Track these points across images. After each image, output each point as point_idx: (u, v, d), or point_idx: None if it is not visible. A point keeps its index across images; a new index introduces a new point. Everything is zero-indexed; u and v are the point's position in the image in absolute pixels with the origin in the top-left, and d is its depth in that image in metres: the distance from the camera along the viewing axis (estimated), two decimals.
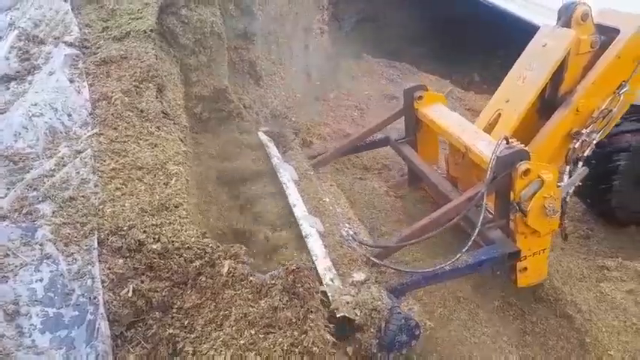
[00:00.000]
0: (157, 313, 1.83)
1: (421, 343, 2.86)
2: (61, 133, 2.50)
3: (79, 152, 2.39)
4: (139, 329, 1.78)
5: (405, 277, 3.04)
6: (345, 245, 3.11)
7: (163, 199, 2.24)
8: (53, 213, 2.04)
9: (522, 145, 3.21)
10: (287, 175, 3.94)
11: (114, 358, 1.65)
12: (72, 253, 1.89)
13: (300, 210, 3.48)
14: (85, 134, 2.53)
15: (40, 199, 2.08)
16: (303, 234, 3.20)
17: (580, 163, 3.53)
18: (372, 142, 4.70)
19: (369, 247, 3.20)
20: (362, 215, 4.24)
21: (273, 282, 1.90)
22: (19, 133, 2.39)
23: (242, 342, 1.73)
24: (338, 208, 3.94)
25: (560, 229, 3.48)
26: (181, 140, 2.81)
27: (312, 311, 1.82)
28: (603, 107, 3.46)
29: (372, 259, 3.04)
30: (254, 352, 1.69)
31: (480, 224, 3.01)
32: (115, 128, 2.61)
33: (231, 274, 1.91)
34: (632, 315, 3.58)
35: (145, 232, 2.05)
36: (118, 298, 1.79)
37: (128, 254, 1.96)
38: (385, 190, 5.11)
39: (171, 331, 1.78)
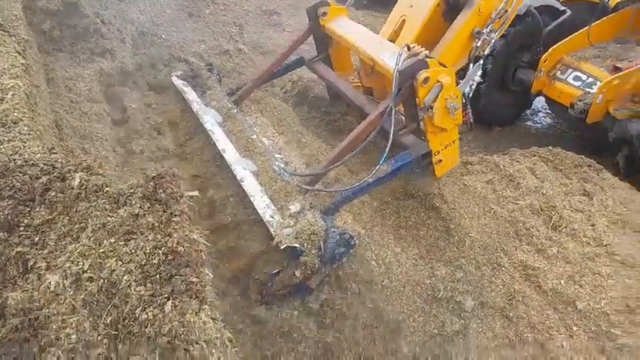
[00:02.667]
0: (0, 233, 1.68)
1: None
2: None
3: None
4: None
5: (336, 196, 3.31)
6: (278, 180, 3.32)
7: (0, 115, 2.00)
8: None
9: (423, 53, 3.42)
10: (210, 119, 3.93)
11: None
12: None
13: (230, 154, 3.57)
14: None
15: None
16: (238, 178, 3.36)
17: (481, 61, 3.77)
18: (287, 66, 4.70)
19: (300, 176, 3.40)
20: (292, 139, 4.25)
21: (132, 191, 1.82)
22: None
23: (101, 250, 1.66)
24: (267, 140, 4.01)
25: (466, 121, 3.82)
26: (19, 53, 2.48)
27: (176, 214, 1.78)
28: (500, 7, 3.68)
29: (304, 187, 3.27)
30: (114, 259, 1.64)
31: (392, 135, 3.21)
32: None
33: (83, 187, 1.80)
34: (490, 202, 4.01)
35: None
36: None
37: None
38: (307, 110, 5.08)
39: (19, 249, 1.65)
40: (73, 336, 1.50)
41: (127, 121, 3.98)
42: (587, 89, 4.96)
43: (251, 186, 3.31)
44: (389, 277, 3.51)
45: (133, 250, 1.67)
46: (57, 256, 1.66)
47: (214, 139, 3.75)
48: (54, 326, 1.51)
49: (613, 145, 4.81)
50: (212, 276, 1.84)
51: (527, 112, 6.56)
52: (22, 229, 1.72)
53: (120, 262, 1.64)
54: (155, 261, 1.66)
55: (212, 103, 4.19)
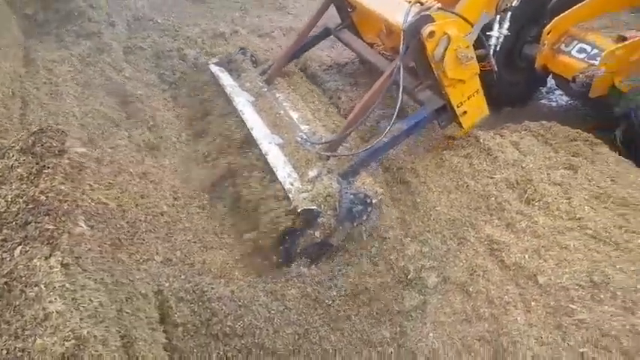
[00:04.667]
0: None
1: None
2: None
3: None
4: None
5: (353, 160, 3.49)
6: (301, 149, 3.57)
7: None
8: None
9: (435, 6, 3.39)
10: (242, 100, 4.16)
11: None
12: None
13: (258, 131, 3.78)
14: None
15: None
16: (263, 152, 3.61)
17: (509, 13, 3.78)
18: (314, 38, 4.82)
19: (319, 144, 3.61)
20: (321, 110, 4.49)
21: (12, 144, 1.90)
22: None
23: None
24: (296, 114, 4.23)
25: (490, 69, 3.81)
26: None
27: (48, 167, 1.84)
28: None
29: (323, 153, 3.49)
30: None
31: (401, 92, 3.34)
32: None
33: None
34: (464, 175, 3.83)
35: None
36: None
37: None
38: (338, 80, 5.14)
39: None
40: None
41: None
42: (591, 61, 4.61)
43: (275, 158, 3.53)
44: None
45: None
46: None
47: (244, 118, 3.97)
48: None
49: (618, 122, 4.45)
50: (85, 227, 1.87)
51: (543, 90, 6.20)
52: None
53: None
54: (14, 209, 1.71)
55: (246, 84, 4.43)
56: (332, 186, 3.21)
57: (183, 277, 3.05)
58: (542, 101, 6.16)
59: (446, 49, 3.34)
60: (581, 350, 2.68)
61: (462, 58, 3.42)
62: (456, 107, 3.69)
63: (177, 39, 5.31)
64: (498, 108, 5.56)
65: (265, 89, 4.36)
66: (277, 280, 3.17)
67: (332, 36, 4.84)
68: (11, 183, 1.79)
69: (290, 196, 3.22)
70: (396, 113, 3.34)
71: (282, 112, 4.09)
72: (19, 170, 1.81)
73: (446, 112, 3.73)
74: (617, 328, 2.65)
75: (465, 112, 3.75)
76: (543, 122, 4.37)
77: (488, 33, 3.86)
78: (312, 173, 3.36)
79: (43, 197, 1.75)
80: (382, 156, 3.87)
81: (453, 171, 3.86)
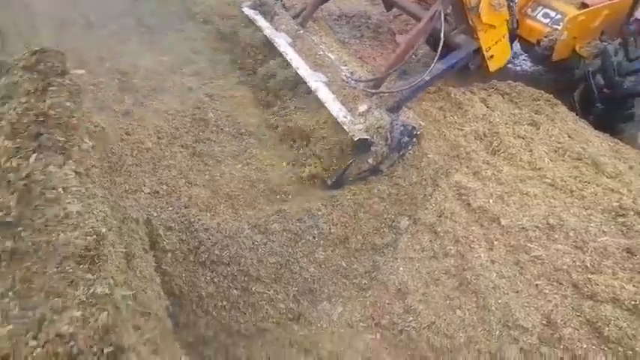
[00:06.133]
0: None
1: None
2: None
3: None
4: None
5: (397, 96, 3.76)
6: (347, 87, 3.78)
7: None
8: None
9: None
10: (282, 42, 4.30)
11: None
12: None
13: (303, 70, 3.96)
14: None
15: None
16: (312, 89, 3.80)
17: None
18: None
19: (364, 82, 3.84)
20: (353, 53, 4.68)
21: (15, 62, 1.96)
22: None
23: None
24: (332, 55, 4.37)
25: (511, 19, 4.11)
26: None
27: (53, 85, 1.91)
28: None
29: (369, 90, 3.72)
30: None
31: (442, 35, 3.63)
32: None
33: None
34: (442, 125, 4.06)
35: None
36: None
37: None
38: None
39: None
40: None
41: None
42: (555, 26, 4.86)
43: (324, 94, 3.72)
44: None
45: (6, 111, 1.81)
46: None
47: (288, 58, 4.13)
48: None
49: (576, 85, 4.75)
50: (90, 144, 1.98)
51: None
52: None
53: None
54: (25, 120, 1.80)
55: (281, 27, 4.56)
56: (383, 118, 3.50)
57: (170, 208, 3.18)
58: (508, 65, 6.43)
59: None
60: (536, 283, 3.00)
61: (496, 5, 3.77)
62: (485, 51, 4.03)
63: None
64: (466, 69, 5.87)
65: (301, 31, 4.50)
66: (260, 216, 3.33)
67: None
68: (19, 97, 1.85)
69: (345, 127, 3.47)
70: (438, 54, 3.67)
71: (321, 52, 4.25)
72: (25, 86, 1.87)
73: (478, 55, 4.06)
74: (569, 264, 2.98)
75: (492, 56, 4.10)
76: (509, 82, 4.63)
77: None
78: (362, 107, 3.61)
79: (52, 112, 1.83)
80: (422, 93, 4.15)
81: (433, 120, 4.07)
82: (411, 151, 3.76)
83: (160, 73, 4.57)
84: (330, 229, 3.42)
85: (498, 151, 3.76)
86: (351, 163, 3.51)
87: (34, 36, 3.94)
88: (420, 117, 4.03)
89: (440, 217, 3.51)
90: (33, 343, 1.37)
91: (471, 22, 3.87)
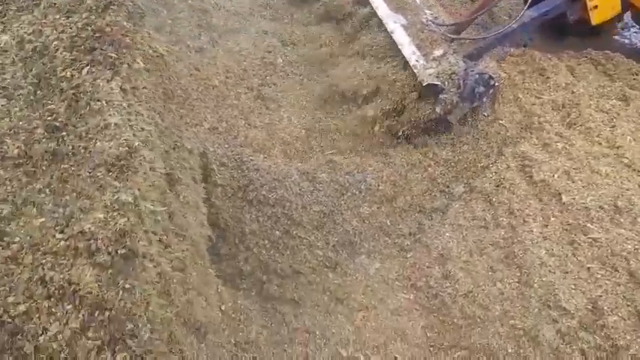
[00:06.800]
0: None
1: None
2: None
3: None
4: None
5: (478, 42, 3.56)
6: (426, 30, 3.60)
7: None
8: None
9: None
10: None
11: None
12: None
13: (382, 10, 3.82)
14: None
15: None
16: (389, 30, 3.65)
17: None
18: None
19: (446, 26, 3.66)
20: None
21: None
22: None
23: (43, 21, 1.95)
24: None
25: None
26: None
27: (114, 4, 2.00)
28: None
29: (449, 35, 3.54)
30: (51, 28, 1.92)
31: None
32: None
33: None
34: (517, 89, 3.80)
35: None
36: None
37: None
38: None
39: None
40: (8, 81, 1.83)
41: None
42: None
43: (400, 36, 3.58)
44: None
45: (68, 24, 1.93)
46: (12, 23, 1.97)
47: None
48: None
49: None
50: (143, 65, 2.06)
51: (618, 25, 5.80)
52: None
53: (55, 32, 1.91)
54: (83, 35, 1.91)
55: None
56: (458, 64, 3.30)
57: (226, 145, 3.29)
58: (615, 37, 5.82)
59: None
60: (588, 266, 2.79)
61: None
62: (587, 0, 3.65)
63: None
64: (564, 36, 5.38)
65: None
66: (311, 163, 3.36)
67: None
68: (81, 13, 1.97)
69: (415, 71, 3.32)
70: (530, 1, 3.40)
71: None
72: (88, 2, 1.99)
73: (577, 3, 3.70)
74: (629, 250, 2.74)
75: (595, 7, 3.72)
76: (607, 52, 4.20)
77: None
78: (437, 52, 3.43)
79: (108, 29, 1.93)
80: (509, 42, 3.89)
81: (510, 84, 3.81)
82: (484, 106, 3.50)
83: (239, 14, 4.62)
84: (378, 185, 3.38)
85: (575, 124, 3.46)
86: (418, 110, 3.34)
87: None
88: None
89: (498, 186, 3.33)
90: (59, 236, 1.49)
91: None
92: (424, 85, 3.24)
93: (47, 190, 1.60)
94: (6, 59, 1.89)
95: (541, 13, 3.60)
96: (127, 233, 1.52)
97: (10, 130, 1.71)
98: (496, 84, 3.45)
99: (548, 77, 3.76)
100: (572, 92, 3.66)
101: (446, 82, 3.26)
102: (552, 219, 3.04)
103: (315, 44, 4.28)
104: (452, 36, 3.54)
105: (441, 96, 3.29)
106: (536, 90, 3.73)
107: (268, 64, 4.08)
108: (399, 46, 3.52)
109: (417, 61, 3.38)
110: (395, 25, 3.67)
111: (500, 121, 3.55)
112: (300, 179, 3.28)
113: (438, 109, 3.35)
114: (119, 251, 1.49)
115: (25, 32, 1.93)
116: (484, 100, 3.46)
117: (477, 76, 3.36)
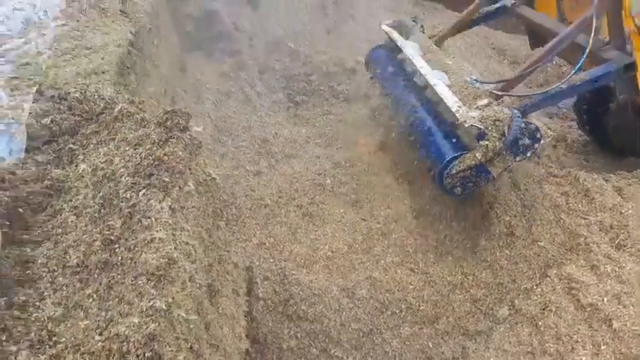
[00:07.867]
0: (65, 136, 2.47)
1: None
2: (34, 23, 3.19)
3: (44, 35, 3.08)
4: (52, 145, 2.43)
5: (525, 101, 3.46)
6: (470, 87, 3.54)
7: (96, 68, 2.87)
8: (10, 71, 2.74)
9: None
10: (411, 50, 4.22)
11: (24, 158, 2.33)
12: (14, 95, 2.58)
13: (426, 69, 3.84)
14: (52, 25, 3.21)
15: (2, 62, 2.79)
16: (431, 83, 3.63)
17: None
18: (487, 14, 4.75)
19: (492, 83, 3.63)
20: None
21: (152, 118, 2.48)
22: (2, 21, 3.12)
23: (115, 152, 2.33)
24: (462, 66, 4.14)
25: None
26: (131, 32, 3.40)
27: (174, 137, 2.37)
28: None
29: (495, 92, 3.44)
30: (119, 158, 2.29)
31: (591, 39, 3.29)
32: (77, 21, 3.27)
33: (121, 112, 2.51)
34: (561, 212, 3.79)
35: (74, 87, 2.70)
36: (39, 124, 2.46)
37: (58, 100, 2.62)
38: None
39: (71, 146, 2.41)
40: (80, 200, 2.18)
41: None
42: None
43: (443, 89, 3.55)
44: None
45: (134, 154, 2.30)
46: (91, 154, 2.38)
47: (412, 60, 4.03)
48: (72, 192, 2.22)
49: None
50: (193, 188, 2.38)
51: None
52: (78, 135, 2.49)
53: (123, 161, 2.28)
54: (145, 163, 2.26)
55: (415, 40, 4.48)
56: (503, 112, 3.16)
57: (272, 260, 3.48)
58: None
59: None
60: None
61: None
62: (638, 69, 3.49)
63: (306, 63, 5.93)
64: (620, 155, 5.05)
65: (434, 47, 4.34)
66: (351, 279, 3.44)
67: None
68: (145, 145, 2.34)
69: (457, 115, 3.23)
70: (579, 65, 3.33)
71: (449, 62, 4.05)
72: (152, 137, 2.36)
73: (631, 71, 3.53)
74: None
75: None
76: None
77: None
78: (481, 102, 3.31)
79: (165, 158, 2.27)
80: (555, 103, 3.87)
81: (553, 206, 3.80)
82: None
83: (295, 141, 5.09)
84: (419, 305, 3.37)
85: (625, 245, 3.36)
86: (454, 158, 3.23)
87: (198, 104, 4.75)
88: (536, 200, 3.83)
89: (544, 309, 3.22)
90: (98, 337, 1.68)
91: (627, 34, 3.39)
92: (466, 125, 3.13)
93: (95, 295, 1.82)
94: (81, 183, 2.26)
95: (592, 78, 3.49)
96: (155, 337, 1.68)
97: (74, 243, 2.00)
98: (542, 140, 3.28)
99: (593, 198, 3.74)
100: (621, 213, 3.59)
101: (489, 128, 3.12)
102: (603, 347, 2.87)
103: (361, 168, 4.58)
104: (498, 92, 3.43)
105: (481, 142, 3.15)
106: (581, 211, 3.70)
107: (318, 184, 4.38)
108: (441, 96, 3.43)
109: (459, 107, 3.28)
110: (438, 80, 3.63)
111: (540, 243, 3.51)
112: (339, 295, 3.37)
113: (478, 155, 3.19)
114: (146, 354, 1.64)
115: (100, 161, 2.32)
116: (528, 155, 3.28)
117: (524, 125, 3.18)
